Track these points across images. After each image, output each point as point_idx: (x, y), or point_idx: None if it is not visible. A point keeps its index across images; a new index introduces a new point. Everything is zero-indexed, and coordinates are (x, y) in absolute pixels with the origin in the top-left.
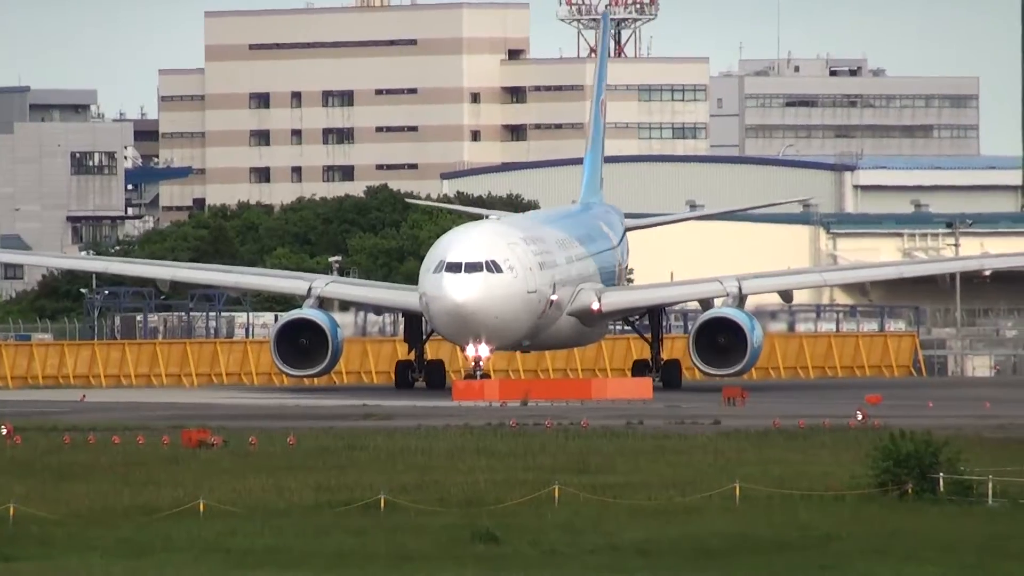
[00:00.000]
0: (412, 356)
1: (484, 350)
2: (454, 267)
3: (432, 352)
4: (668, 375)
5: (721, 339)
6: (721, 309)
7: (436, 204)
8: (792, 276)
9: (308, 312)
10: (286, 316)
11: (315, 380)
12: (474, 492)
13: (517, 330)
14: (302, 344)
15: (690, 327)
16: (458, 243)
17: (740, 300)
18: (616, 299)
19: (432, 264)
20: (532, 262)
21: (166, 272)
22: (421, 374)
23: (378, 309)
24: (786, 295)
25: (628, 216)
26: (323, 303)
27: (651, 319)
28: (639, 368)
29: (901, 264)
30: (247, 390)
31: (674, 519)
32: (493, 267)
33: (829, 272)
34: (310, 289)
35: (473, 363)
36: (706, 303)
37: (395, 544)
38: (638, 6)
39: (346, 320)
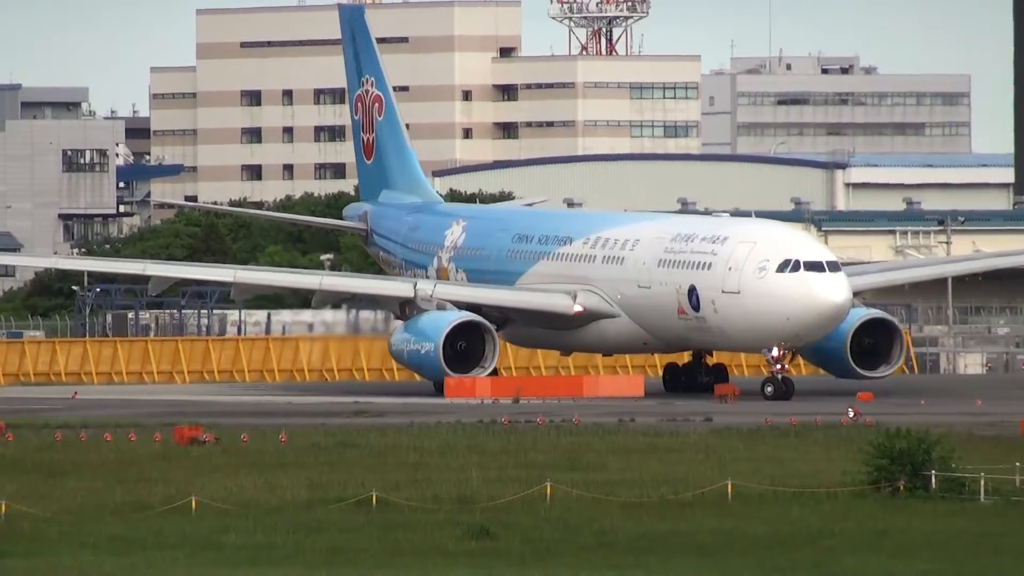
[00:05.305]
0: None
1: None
2: (814, 266)
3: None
4: (719, 379)
5: (868, 340)
6: (872, 310)
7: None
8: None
9: (468, 314)
10: (452, 319)
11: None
12: (466, 489)
13: None
14: (460, 347)
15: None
16: (786, 241)
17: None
18: None
19: (763, 264)
20: None
21: (244, 276)
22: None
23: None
24: None
25: None
26: (410, 307)
27: None
28: (672, 373)
29: (981, 259)
30: (239, 387)
31: (666, 516)
32: (839, 266)
33: (921, 267)
34: (416, 292)
35: (778, 365)
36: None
37: (388, 541)
38: (630, 4)
39: (338, 318)
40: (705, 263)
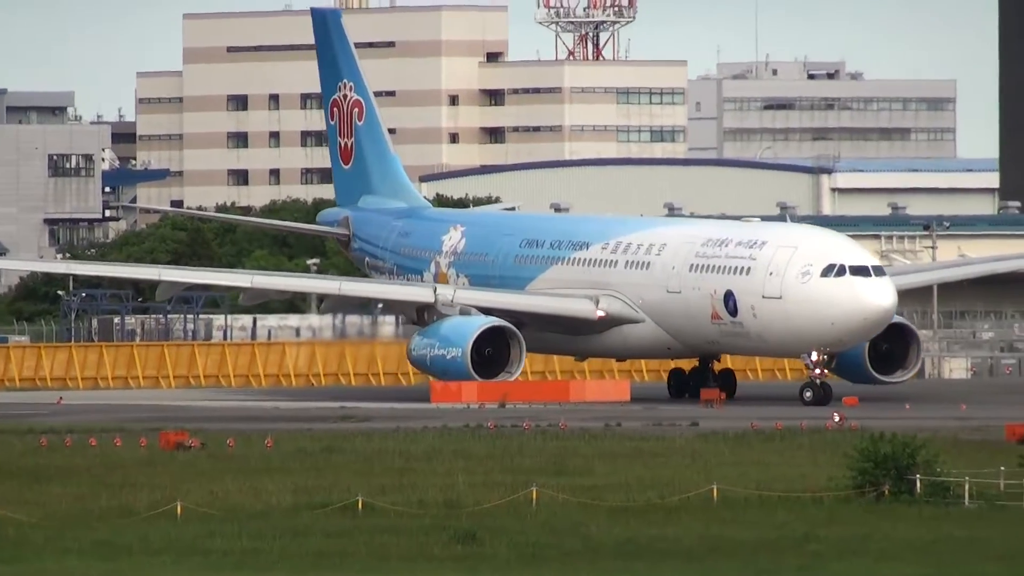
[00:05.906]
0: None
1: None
2: (860, 270)
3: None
4: (728, 385)
5: (885, 345)
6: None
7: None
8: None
9: (495, 319)
10: (480, 324)
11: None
12: (452, 494)
13: None
14: (487, 353)
15: None
16: (828, 245)
17: None
18: None
19: (807, 268)
20: None
21: (261, 280)
22: None
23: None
24: None
25: None
26: (429, 312)
27: None
28: (678, 379)
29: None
30: (225, 392)
31: (652, 521)
32: (884, 270)
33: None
34: (436, 297)
35: (819, 371)
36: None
37: (374, 546)
38: (616, 9)
39: (325, 323)
40: (743, 268)
